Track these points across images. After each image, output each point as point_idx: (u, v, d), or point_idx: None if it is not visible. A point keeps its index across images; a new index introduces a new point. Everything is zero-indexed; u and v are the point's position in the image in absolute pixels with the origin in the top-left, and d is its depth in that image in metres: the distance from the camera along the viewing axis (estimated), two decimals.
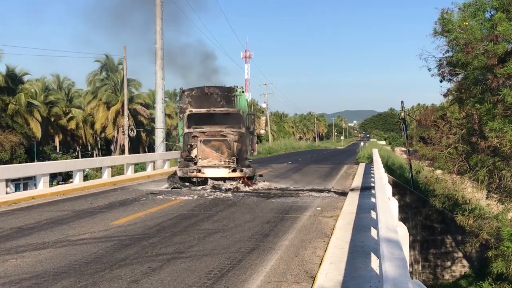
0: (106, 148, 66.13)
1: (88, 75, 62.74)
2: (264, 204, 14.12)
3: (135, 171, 26.21)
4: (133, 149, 56.91)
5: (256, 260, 7.65)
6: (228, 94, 20.01)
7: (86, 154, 62.34)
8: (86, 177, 28.01)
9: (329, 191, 17.32)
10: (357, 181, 19.91)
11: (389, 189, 11.45)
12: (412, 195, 25.16)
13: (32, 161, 44.84)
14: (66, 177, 39.75)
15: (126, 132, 40.78)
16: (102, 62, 61.71)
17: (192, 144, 18.91)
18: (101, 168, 23.18)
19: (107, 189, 18.40)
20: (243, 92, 20.26)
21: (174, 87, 68.08)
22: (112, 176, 23.30)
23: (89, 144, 64.13)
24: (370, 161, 33.25)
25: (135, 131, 46.25)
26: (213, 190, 17.27)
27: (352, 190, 16.84)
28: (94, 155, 63.84)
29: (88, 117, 61.34)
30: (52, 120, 55.36)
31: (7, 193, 16.37)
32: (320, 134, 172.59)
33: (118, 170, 33.57)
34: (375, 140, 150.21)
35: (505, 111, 13.20)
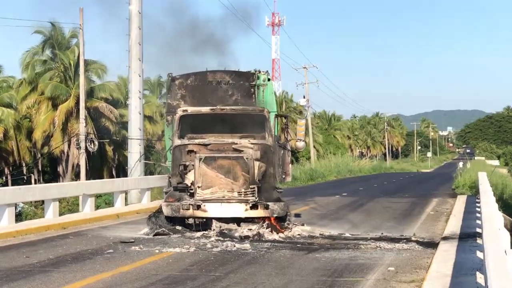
0: (51, 169, 66.73)
1: (23, 55, 63.29)
2: (302, 262, 14.09)
3: (97, 206, 26.29)
4: (94, 172, 57.24)
5: None
6: (245, 83, 20.08)
7: (19, 179, 62.97)
8: (19, 216, 28.24)
9: (408, 240, 17.26)
10: (454, 225, 19.86)
11: (506, 237, 11.35)
12: None
13: None
14: None
15: (83, 144, 41.10)
16: (46, 35, 62.17)
17: (187, 164, 18.93)
18: (43, 201, 23.29)
19: (53, 235, 18.50)
20: (269, 80, 20.31)
21: (158, 72, 68.16)
22: (60, 214, 23.44)
23: (24, 164, 64.81)
24: (474, 192, 33.05)
25: (96, 143, 46.58)
26: (220, 238, 17.27)
27: (445, 238, 16.82)
28: (32, 180, 64.40)
29: (23, 121, 62.00)
30: None
31: None
32: (395, 149, 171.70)
33: (70, 205, 33.80)
34: (483, 158, 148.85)
35: None
